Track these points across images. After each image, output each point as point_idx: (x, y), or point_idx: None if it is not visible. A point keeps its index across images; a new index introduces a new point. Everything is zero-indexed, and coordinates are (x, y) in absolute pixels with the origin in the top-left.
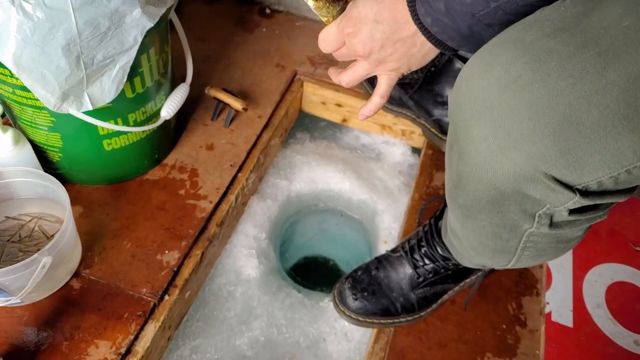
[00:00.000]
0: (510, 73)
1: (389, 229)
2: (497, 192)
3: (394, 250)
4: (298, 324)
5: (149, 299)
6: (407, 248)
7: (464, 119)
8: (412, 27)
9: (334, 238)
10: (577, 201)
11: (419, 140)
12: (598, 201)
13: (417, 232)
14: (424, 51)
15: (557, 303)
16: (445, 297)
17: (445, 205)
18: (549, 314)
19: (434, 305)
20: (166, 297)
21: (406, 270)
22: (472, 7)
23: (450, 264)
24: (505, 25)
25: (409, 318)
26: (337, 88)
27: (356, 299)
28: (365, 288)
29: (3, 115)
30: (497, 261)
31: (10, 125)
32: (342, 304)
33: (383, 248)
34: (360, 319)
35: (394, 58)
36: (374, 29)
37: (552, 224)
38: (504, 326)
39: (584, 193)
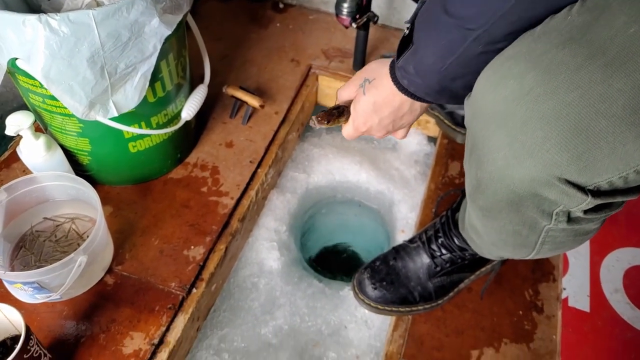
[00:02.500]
0: (522, 86)
1: (406, 218)
2: (514, 196)
3: (411, 241)
4: (320, 312)
5: (178, 292)
6: (425, 239)
7: (481, 130)
8: (399, 94)
9: (353, 228)
10: (590, 202)
11: (434, 129)
12: (610, 200)
13: (434, 223)
14: (412, 109)
15: (574, 289)
16: (462, 285)
17: (462, 198)
18: (566, 300)
19: (451, 294)
20: (194, 290)
21: (423, 260)
22: (433, 65)
23: (467, 254)
24: (469, 75)
25: (426, 306)
26: None
27: (375, 288)
28: (383, 278)
29: (34, 122)
30: (518, 254)
31: (42, 131)
32: (362, 293)
33: (401, 237)
34: (379, 307)
35: (390, 121)
36: (379, 119)
37: (569, 220)
38: (520, 312)
39: (596, 193)
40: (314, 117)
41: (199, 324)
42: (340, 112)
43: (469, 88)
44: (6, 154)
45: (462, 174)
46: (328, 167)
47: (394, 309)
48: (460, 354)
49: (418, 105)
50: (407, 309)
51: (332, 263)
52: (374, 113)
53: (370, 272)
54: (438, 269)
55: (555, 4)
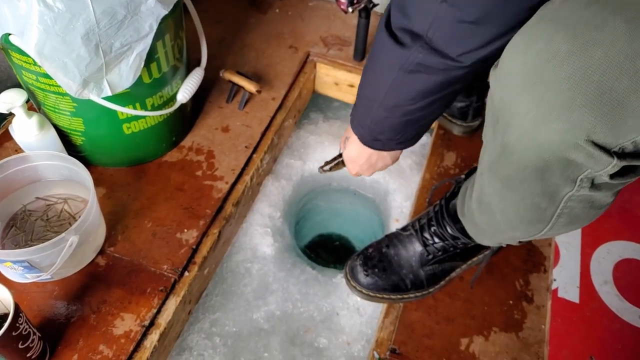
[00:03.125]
0: (549, 48)
1: (400, 207)
2: (541, 160)
3: (404, 229)
4: (312, 298)
5: (170, 275)
6: (418, 227)
7: (509, 94)
8: (363, 147)
9: (347, 216)
10: (616, 164)
11: None
12: (635, 162)
13: (427, 212)
14: (381, 156)
15: (564, 280)
16: (454, 274)
17: (458, 186)
18: (556, 290)
19: (442, 282)
20: (186, 273)
21: (416, 248)
22: (364, 123)
23: (459, 243)
24: (387, 132)
25: (417, 294)
26: (350, 69)
27: (367, 275)
28: (376, 265)
29: (28, 101)
30: (530, 232)
31: (35, 110)
32: (354, 279)
33: (395, 226)
34: (370, 294)
35: (368, 167)
36: (359, 167)
37: (592, 186)
38: (511, 302)
39: (621, 155)
40: (320, 167)
41: (191, 307)
42: (340, 160)
43: (392, 140)
44: None
45: (457, 164)
46: (324, 155)
47: (385, 296)
48: (450, 342)
49: (385, 153)
50: (399, 296)
51: (326, 251)
52: (354, 163)
53: (362, 259)
54: (430, 257)
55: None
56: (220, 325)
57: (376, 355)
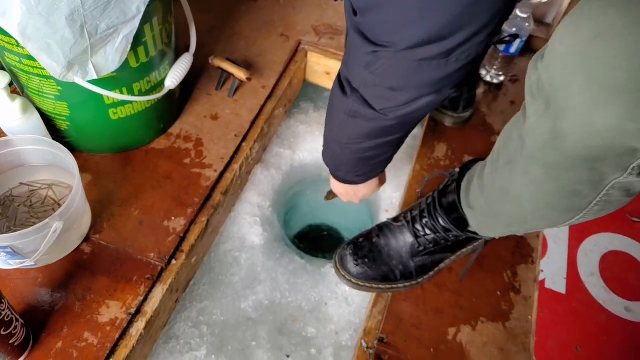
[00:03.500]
0: (601, 24)
1: (390, 198)
2: (595, 148)
3: (395, 219)
4: (301, 288)
5: (157, 263)
6: (409, 218)
7: (561, 77)
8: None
9: (337, 207)
10: None
11: None
12: None
13: (419, 204)
14: (357, 188)
15: (551, 271)
16: (443, 265)
17: (452, 180)
18: (543, 282)
19: (432, 273)
20: (173, 261)
21: (407, 239)
22: (330, 164)
23: (450, 236)
24: (344, 166)
25: (407, 284)
26: (341, 58)
27: (357, 265)
28: (366, 255)
29: (11, 84)
30: (557, 221)
31: (18, 94)
32: (343, 269)
33: (384, 217)
34: (360, 283)
35: (352, 196)
36: (345, 197)
37: None
38: (498, 293)
39: None
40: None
41: (178, 296)
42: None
43: (351, 173)
44: None
45: (447, 156)
46: (314, 145)
47: (374, 285)
48: (438, 332)
49: (359, 185)
50: (388, 286)
51: (315, 241)
52: (340, 195)
53: (352, 249)
54: (421, 248)
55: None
56: (208, 314)
57: (364, 345)
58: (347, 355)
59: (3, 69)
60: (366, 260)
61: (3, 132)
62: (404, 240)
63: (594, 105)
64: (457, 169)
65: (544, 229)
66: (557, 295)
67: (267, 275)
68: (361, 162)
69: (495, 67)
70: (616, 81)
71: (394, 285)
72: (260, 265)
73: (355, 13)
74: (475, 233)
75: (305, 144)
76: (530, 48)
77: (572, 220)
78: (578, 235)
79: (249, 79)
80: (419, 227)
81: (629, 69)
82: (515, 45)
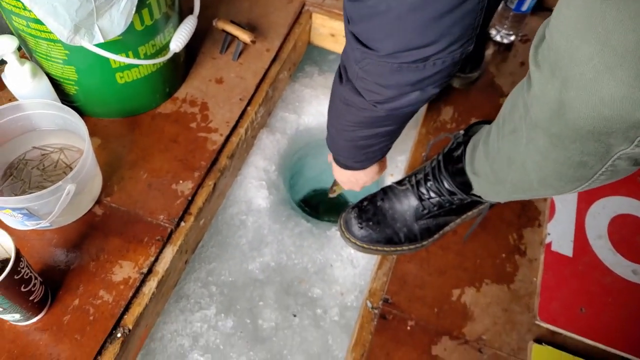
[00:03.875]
0: None
1: (395, 162)
2: (601, 120)
3: (400, 183)
4: (306, 251)
5: (166, 225)
6: (414, 181)
7: (568, 41)
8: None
9: None
10: None
11: None
12: None
13: (424, 167)
14: (355, 175)
15: (558, 234)
16: (447, 228)
17: (457, 143)
18: (549, 244)
19: (436, 236)
20: (182, 223)
21: (411, 202)
22: (331, 148)
23: (455, 199)
24: (346, 149)
25: (411, 247)
26: None
27: (361, 228)
28: (370, 218)
29: (19, 49)
30: (563, 190)
31: (27, 58)
32: (348, 231)
33: (390, 181)
34: (364, 246)
35: (354, 184)
36: (347, 185)
37: None
38: (503, 255)
39: None
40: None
41: (187, 257)
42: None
43: (349, 159)
44: None
45: (454, 118)
46: (319, 109)
47: (379, 248)
48: (442, 292)
49: (359, 172)
50: (392, 248)
51: (320, 205)
52: (343, 183)
53: (357, 212)
54: (425, 211)
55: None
56: (217, 274)
57: (369, 305)
58: (352, 315)
59: (11, 33)
60: (370, 223)
61: (14, 98)
62: (409, 203)
63: (601, 72)
64: (462, 131)
65: (553, 196)
66: (563, 258)
67: (274, 237)
68: (356, 150)
69: (505, 26)
70: (626, 45)
71: (398, 248)
72: (266, 228)
73: (348, 21)
74: (480, 197)
75: (310, 107)
76: (543, 5)
77: (578, 189)
78: (587, 198)
79: (253, 42)
80: (423, 190)
81: (639, 32)
82: (527, 3)
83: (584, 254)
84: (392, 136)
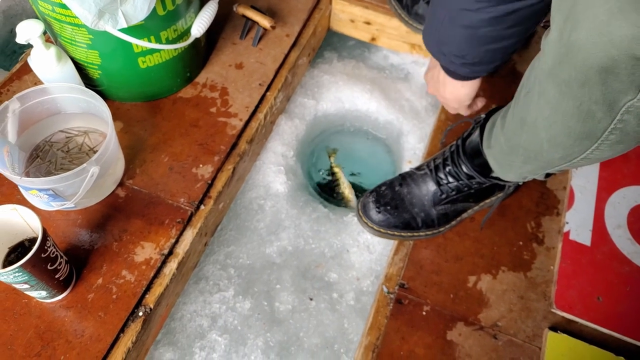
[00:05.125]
0: None
1: (413, 149)
2: (608, 59)
3: (418, 168)
4: (323, 236)
5: (187, 208)
6: (432, 166)
7: None
8: (448, 78)
9: (360, 157)
10: None
11: None
12: None
13: (442, 152)
14: (455, 86)
15: (577, 223)
16: (465, 215)
17: (477, 126)
18: (567, 233)
19: (454, 222)
20: (202, 207)
21: (429, 187)
22: (433, 42)
23: (474, 183)
24: (458, 40)
25: (428, 232)
26: (367, 5)
27: (379, 212)
28: (388, 202)
29: (45, 33)
30: (573, 151)
31: (52, 42)
32: (366, 216)
33: (407, 168)
34: (382, 230)
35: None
36: (430, 84)
37: None
38: (520, 243)
39: None
40: None
41: (207, 240)
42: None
43: (457, 57)
44: (17, 65)
45: None
46: (338, 95)
47: (396, 233)
48: (458, 279)
49: (457, 84)
50: (409, 234)
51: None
52: (428, 83)
53: (375, 196)
54: (443, 196)
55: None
56: (235, 257)
57: (385, 290)
58: (367, 300)
59: (37, 17)
60: (388, 207)
61: (40, 81)
62: (427, 188)
63: (616, 13)
64: (483, 115)
65: (561, 165)
66: (581, 247)
67: (291, 222)
68: (473, 42)
69: None
70: None
71: (415, 233)
72: (284, 212)
73: None
74: (498, 179)
75: (328, 94)
76: None
77: (587, 152)
78: (607, 187)
79: (273, 27)
80: (441, 175)
81: None
82: None
83: (603, 243)
84: (525, 27)
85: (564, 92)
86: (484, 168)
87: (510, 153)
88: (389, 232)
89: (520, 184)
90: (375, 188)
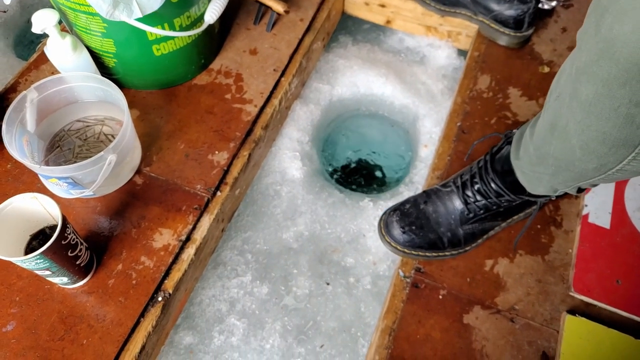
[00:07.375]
0: None
1: (429, 133)
2: None
3: (444, 185)
4: (339, 221)
5: (203, 194)
6: (459, 183)
7: None
8: None
9: (375, 142)
10: None
11: (465, 41)
12: None
13: (470, 168)
14: None
15: (595, 205)
16: (492, 232)
17: (507, 141)
18: (586, 216)
19: (480, 241)
20: (218, 193)
21: (456, 205)
22: None
23: (502, 201)
24: None
25: (453, 252)
26: None
27: (404, 232)
28: (413, 221)
29: (60, 22)
30: (608, 161)
31: (67, 32)
32: (389, 235)
33: (423, 152)
34: (406, 251)
35: None
36: None
37: None
38: (538, 226)
39: None
40: None
41: (224, 225)
42: None
43: None
44: (34, 55)
45: (490, 87)
46: (353, 79)
47: (420, 253)
48: (475, 263)
49: None
50: (435, 254)
51: (353, 176)
52: None
53: (399, 215)
54: (471, 215)
55: None
56: (252, 243)
57: (401, 274)
58: (384, 284)
59: (52, 7)
60: (413, 227)
61: (56, 71)
62: (453, 207)
63: None
64: (515, 130)
65: (595, 178)
66: (600, 230)
67: (307, 207)
68: None
69: None
70: None
71: (440, 253)
72: (300, 198)
73: None
74: (528, 195)
75: (344, 78)
76: None
77: (624, 162)
78: None
79: (286, 12)
80: (469, 193)
81: None
82: None
83: (622, 226)
84: None
85: (601, 92)
86: (515, 185)
87: (540, 163)
88: (413, 252)
89: (553, 198)
90: (398, 205)
